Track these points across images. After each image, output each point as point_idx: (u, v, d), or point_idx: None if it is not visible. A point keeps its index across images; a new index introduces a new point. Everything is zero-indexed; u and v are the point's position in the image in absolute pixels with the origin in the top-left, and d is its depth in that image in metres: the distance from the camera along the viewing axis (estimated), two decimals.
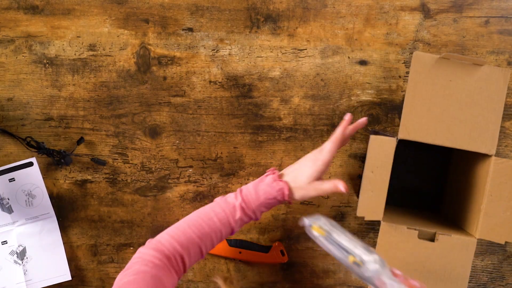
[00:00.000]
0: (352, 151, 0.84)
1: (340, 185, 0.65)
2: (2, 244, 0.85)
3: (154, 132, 0.84)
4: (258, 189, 0.67)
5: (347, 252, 0.60)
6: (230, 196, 0.68)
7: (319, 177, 0.67)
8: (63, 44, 0.83)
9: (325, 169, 0.67)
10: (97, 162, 0.84)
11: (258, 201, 0.67)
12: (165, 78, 0.84)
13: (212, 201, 0.71)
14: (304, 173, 0.67)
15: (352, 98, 0.83)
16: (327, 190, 0.66)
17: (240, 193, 0.68)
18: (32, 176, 0.84)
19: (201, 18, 0.83)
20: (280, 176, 0.68)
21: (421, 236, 0.66)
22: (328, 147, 0.67)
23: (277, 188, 0.66)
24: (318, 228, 0.63)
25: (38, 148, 0.82)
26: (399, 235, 0.66)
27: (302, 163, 0.69)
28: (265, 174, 0.70)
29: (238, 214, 0.66)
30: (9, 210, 0.84)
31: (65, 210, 0.85)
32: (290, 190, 0.66)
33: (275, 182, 0.67)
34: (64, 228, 0.86)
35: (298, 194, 0.67)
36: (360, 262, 0.58)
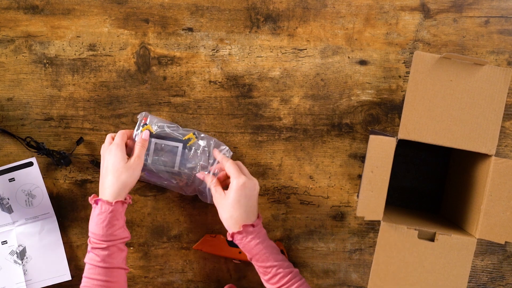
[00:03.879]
0: (352, 151, 0.84)
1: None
2: (2, 244, 0.85)
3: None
4: (95, 225, 0.71)
5: (182, 135, 0.78)
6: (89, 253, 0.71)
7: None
8: (63, 44, 0.83)
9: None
10: (97, 165, 0.84)
11: (102, 230, 0.70)
12: (165, 78, 0.84)
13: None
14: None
15: (352, 98, 0.83)
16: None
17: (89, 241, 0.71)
18: (32, 176, 0.84)
19: (201, 18, 0.83)
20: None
21: (421, 236, 0.66)
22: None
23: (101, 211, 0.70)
24: (150, 126, 0.77)
25: (38, 149, 0.82)
26: (399, 235, 0.66)
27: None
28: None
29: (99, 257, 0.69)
30: (9, 210, 0.84)
31: (65, 210, 0.85)
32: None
33: (96, 207, 0.71)
34: (64, 228, 0.86)
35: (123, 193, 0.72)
36: (194, 137, 0.77)
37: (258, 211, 0.74)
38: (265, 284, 0.72)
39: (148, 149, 0.77)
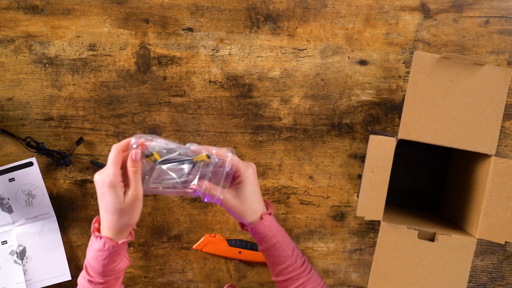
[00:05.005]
0: (352, 151, 0.84)
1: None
2: (2, 244, 0.85)
3: (154, 132, 0.84)
4: (91, 261, 0.62)
5: (190, 156, 0.63)
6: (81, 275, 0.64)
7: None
8: (63, 44, 0.83)
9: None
10: (97, 165, 0.84)
11: (98, 268, 0.62)
12: (165, 78, 0.84)
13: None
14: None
15: (352, 98, 0.83)
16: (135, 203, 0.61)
17: (85, 268, 0.63)
18: (32, 176, 0.84)
19: (201, 18, 0.83)
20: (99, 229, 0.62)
21: (421, 236, 0.66)
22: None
23: (99, 247, 0.61)
24: (156, 154, 0.61)
25: (38, 149, 0.82)
26: (399, 235, 0.66)
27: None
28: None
29: None
30: (9, 210, 0.84)
31: (65, 210, 0.85)
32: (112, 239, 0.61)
33: (96, 242, 0.61)
34: (64, 228, 0.86)
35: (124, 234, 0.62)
36: (207, 158, 0.63)
37: None
38: (285, 271, 0.66)
39: (150, 174, 0.63)
